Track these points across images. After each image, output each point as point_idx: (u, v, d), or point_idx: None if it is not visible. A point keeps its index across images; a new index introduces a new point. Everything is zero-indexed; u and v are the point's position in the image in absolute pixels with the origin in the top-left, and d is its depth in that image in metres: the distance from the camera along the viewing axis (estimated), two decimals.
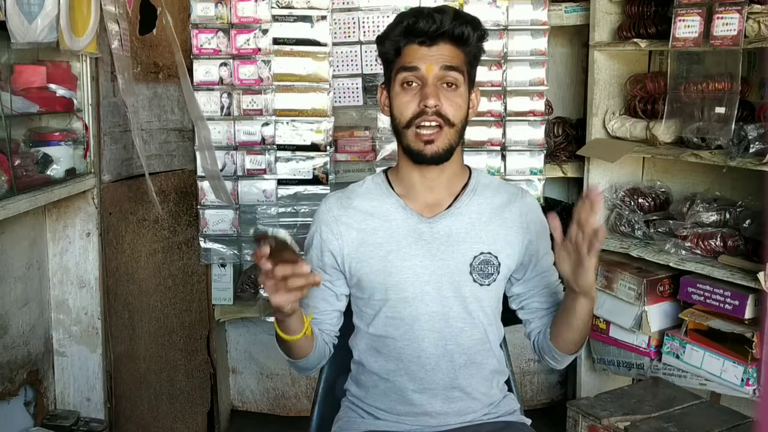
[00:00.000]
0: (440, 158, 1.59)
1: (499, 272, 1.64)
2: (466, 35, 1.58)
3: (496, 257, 1.64)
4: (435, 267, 1.62)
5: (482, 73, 2.74)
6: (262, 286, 1.41)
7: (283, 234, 1.33)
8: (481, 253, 1.63)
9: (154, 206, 2.48)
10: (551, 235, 1.54)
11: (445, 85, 1.57)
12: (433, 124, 1.56)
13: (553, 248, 1.59)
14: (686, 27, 2.38)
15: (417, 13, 1.58)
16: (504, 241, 1.65)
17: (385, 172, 1.72)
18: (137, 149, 2.39)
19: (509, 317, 1.76)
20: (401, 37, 1.58)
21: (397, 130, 1.61)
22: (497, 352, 1.71)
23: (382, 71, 1.70)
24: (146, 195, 2.70)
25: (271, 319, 2.90)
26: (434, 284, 1.62)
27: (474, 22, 1.61)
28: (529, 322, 1.73)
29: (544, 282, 1.70)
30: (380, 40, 1.63)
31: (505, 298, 1.74)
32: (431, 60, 1.56)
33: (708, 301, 2.41)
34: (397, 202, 1.66)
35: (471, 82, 1.64)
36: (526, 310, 1.72)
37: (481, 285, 1.63)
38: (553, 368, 1.76)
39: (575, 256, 1.47)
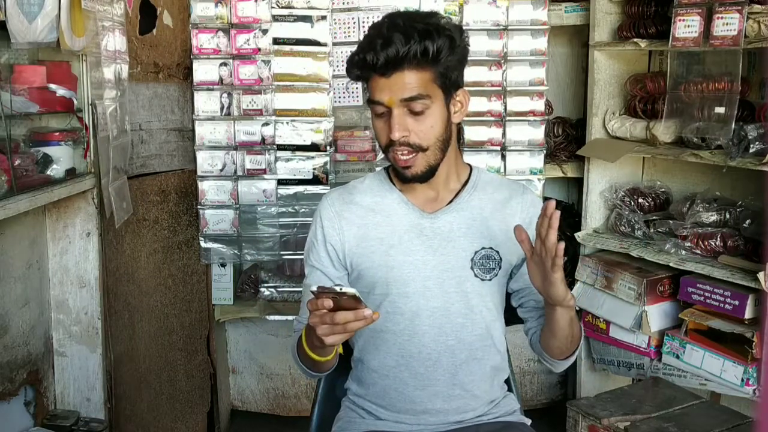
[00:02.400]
0: (422, 178, 1.60)
1: (500, 267, 1.65)
2: (430, 52, 1.49)
3: (497, 252, 1.65)
4: (436, 262, 1.63)
5: (482, 73, 2.75)
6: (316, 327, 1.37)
7: (352, 291, 1.30)
8: (483, 248, 1.64)
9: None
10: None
11: (411, 113, 1.54)
12: (405, 152, 1.56)
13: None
14: (686, 27, 2.38)
15: (366, 45, 1.52)
16: (505, 236, 1.65)
17: (386, 169, 1.73)
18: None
19: (509, 317, 1.76)
20: (359, 70, 1.55)
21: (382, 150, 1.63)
22: (500, 347, 1.71)
23: None
24: (146, 195, 2.71)
25: (272, 318, 2.94)
26: (435, 279, 1.63)
27: (432, 35, 1.49)
28: (526, 321, 1.74)
29: None
30: (347, 71, 1.60)
31: (506, 298, 1.74)
32: (391, 92, 1.52)
33: (708, 301, 2.41)
34: (399, 197, 1.67)
35: (451, 88, 1.57)
36: (524, 308, 1.73)
37: (483, 280, 1.64)
38: (553, 370, 1.75)
39: (542, 270, 1.46)
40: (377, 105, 1.55)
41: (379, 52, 1.49)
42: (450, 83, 1.56)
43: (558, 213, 1.40)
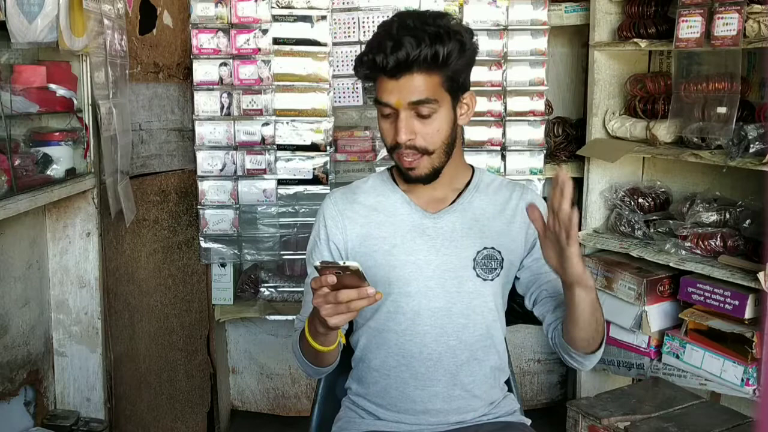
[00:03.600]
0: (426, 180, 1.60)
1: (502, 267, 1.65)
2: (441, 57, 1.48)
3: (499, 252, 1.65)
4: (439, 262, 1.63)
5: (482, 73, 2.75)
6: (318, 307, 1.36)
7: (356, 265, 1.29)
8: (485, 248, 1.64)
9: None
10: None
11: (418, 116, 1.53)
12: (410, 154, 1.56)
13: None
14: (689, 27, 2.38)
15: (376, 46, 1.50)
16: (507, 236, 1.66)
17: (390, 169, 1.73)
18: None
19: (509, 317, 1.76)
20: (368, 70, 1.54)
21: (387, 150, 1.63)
22: (500, 347, 1.70)
23: None
24: (146, 195, 2.71)
25: (272, 318, 2.94)
26: (438, 279, 1.62)
27: (443, 38, 1.48)
28: (543, 318, 1.67)
29: (546, 267, 1.67)
30: (355, 70, 1.59)
31: (507, 298, 1.74)
32: (399, 95, 1.51)
33: (708, 301, 2.41)
34: (401, 197, 1.67)
35: (458, 91, 1.57)
36: (539, 303, 1.68)
37: (485, 280, 1.64)
38: (580, 369, 1.70)
39: (558, 247, 1.41)
40: (384, 106, 1.55)
41: (389, 55, 1.47)
42: (458, 86, 1.56)
43: (570, 182, 1.35)
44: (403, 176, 1.64)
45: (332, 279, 1.31)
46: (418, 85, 1.50)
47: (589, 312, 1.49)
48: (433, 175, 1.60)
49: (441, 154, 1.58)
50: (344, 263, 1.30)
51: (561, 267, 1.42)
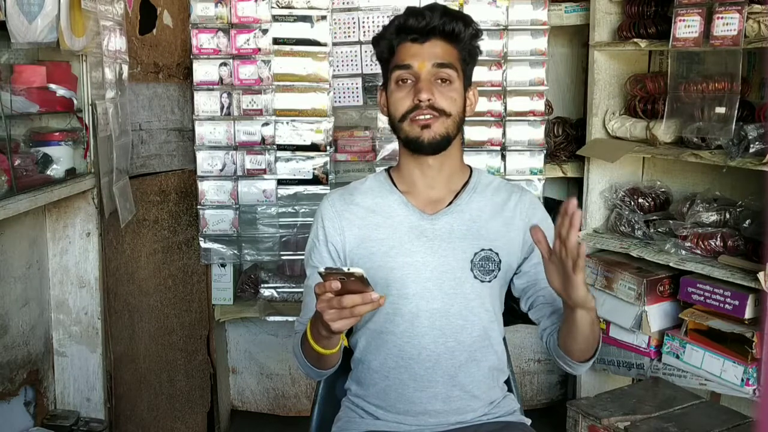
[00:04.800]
0: (438, 145, 1.61)
1: (500, 269, 1.65)
2: (457, 31, 1.60)
3: (497, 254, 1.65)
4: (436, 263, 1.63)
5: (482, 73, 2.75)
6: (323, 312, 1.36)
7: (360, 271, 1.29)
8: (482, 250, 1.64)
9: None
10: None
11: (439, 81, 1.60)
12: (428, 116, 1.59)
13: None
14: (686, 27, 2.38)
15: (408, 11, 1.62)
16: (505, 238, 1.66)
17: (387, 170, 1.74)
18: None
19: (509, 317, 1.76)
20: (394, 35, 1.62)
21: (395, 126, 1.64)
22: (498, 348, 1.70)
23: (381, 71, 1.71)
24: (146, 195, 2.71)
25: (272, 318, 2.94)
26: (435, 281, 1.62)
27: (465, 19, 1.63)
28: (539, 322, 1.70)
29: (544, 273, 1.69)
30: (375, 41, 1.67)
31: (506, 298, 1.74)
32: (423, 57, 1.59)
33: (708, 301, 2.41)
34: (399, 198, 1.67)
35: (467, 79, 1.66)
36: (535, 308, 1.69)
37: (482, 282, 1.64)
38: (572, 373, 1.72)
39: (563, 271, 1.43)
40: (404, 70, 1.60)
41: (426, 15, 1.58)
42: (468, 71, 1.66)
43: (579, 212, 1.37)
44: (412, 145, 1.62)
45: (336, 285, 1.32)
46: (440, 51, 1.60)
47: (588, 330, 1.53)
48: (443, 143, 1.61)
49: (455, 122, 1.62)
50: (348, 269, 1.30)
51: (565, 291, 1.45)
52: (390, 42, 1.63)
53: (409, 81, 1.60)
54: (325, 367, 1.59)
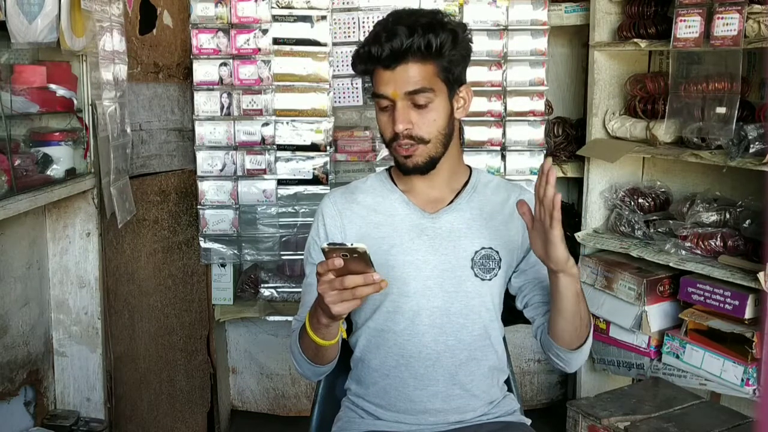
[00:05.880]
0: (422, 170, 1.61)
1: (500, 267, 1.65)
2: (434, 46, 1.52)
3: (497, 252, 1.65)
4: (437, 262, 1.63)
5: (482, 73, 2.75)
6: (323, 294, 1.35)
7: (363, 247, 1.28)
8: (483, 248, 1.64)
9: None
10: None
11: (415, 106, 1.56)
12: (407, 146, 1.58)
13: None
14: (687, 27, 2.38)
15: (371, 39, 1.55)
16: (505, 236, 1.66)
17: (388, 170, 1.74)
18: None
19: (509, 317, 1.76)
20: (365, 63, 1.58)
21: (386, 145, 1.65)
22: (498, 347, 1.71)
23: None
24: (146, 195, 2.71)
25: (272, 318, 2.94)
26: (436, 279, 1.63)
27: (436, 27, 1.53)
28: (534, 320, 1.70)
29: (543, 273, 1.69)
30: (353, 64, 1.63)
31: (506, 298, 1.74)
32: (395, 85, 1.54)
33: (708, 301, 2.41)
34: (400, 197, 1.68)
35: (454, 84, 1.60)
36: (530, 306, 1.70)
37: (483, 280, 1.64)
38: (565, 371, 1.72)
39: (542, 233, 1.45)
40: (381, 98, 1.57)
41: (384, 44, 1.51)
42: (453, 78, 1.59)
43: (554, 168, 1.41)
44: (400, 169, 1.64)
45: (339, 262, 1.30)
46: (413, 74, 1.53)
47: (573, 302, 1.52)
48: (429, 165, 1.61)
49: (438, 144, 1.59)
50: (352, 245, 1.28)
51: (546, 253, 1.47)
52: (363, 68, 1.59)
53: (388, 106, 1.58)
54: (323, 362, 1.58)
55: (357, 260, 1.30)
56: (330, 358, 1.59)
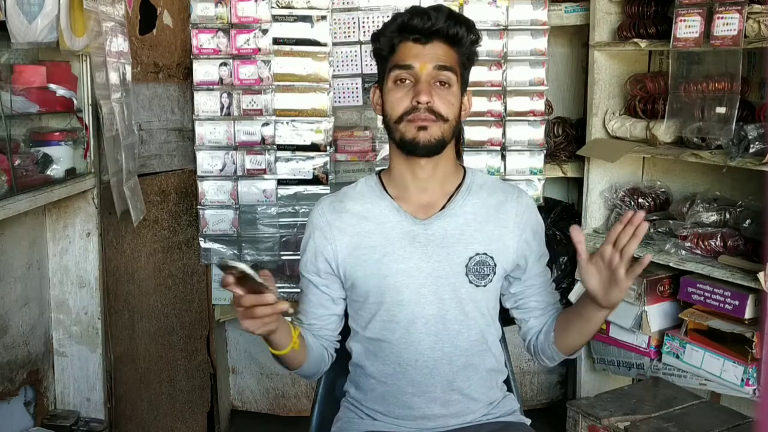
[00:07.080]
0: (432, 148, 1.58)
1: (495, 273, 1.63)
2: (460, 35, 1.58)
3: (491, 258, 1.62)
4: (430, 269, 1.61)
5: (482, 73, 2.75)
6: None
7: (242, 266, 1.28)
8: (477, 254, 1.62)
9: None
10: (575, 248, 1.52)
11: (438, 84, 1.57)
12: (427, 116, 1.56)
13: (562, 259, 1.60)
14: (687, 27, 2.38)
15: (412, 10, 1.60)
16: (500, 241, 1.64)
17: (378, 174, 1.71)
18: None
19: (508, 318, 1.76)
20: (396, 34, 1.59)
21: (389, 126, 1.61)
22: (495, 350, 1.70)
23: (377, 68, 1.69)
24: (146, 195, 2.71)
25: None
26: (430, 287, 1.61)
27: (468, 24, 1.61)
28: (524, 321, 1.71)
29: (540, 281, 1.70)
30: (375, 37, 1.64)
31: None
32: (425, 58, 1.57)
33: (708, 301, 2.41)
34: (390, 204, 1.64)
35: (464, 84, 1.64)
36: (521, 309, 1.71)
37: (477, 286, 1.62)
38: (546, 366, 1.76)
39: (607, 275, 1.47)
40: (404, 70, 1.57)
41: (432, 16, 1.56)
42: (466, 75, 1.65)
43: (645, 225, 1.44)
44: (407, 147, 1.59)
45: (231, 279, 1.32)
46: (442, 53, 1.58)
47: (598, 327, 1.62)
48: (438, 146, 1.58)
49: (451, 127, 1.60)
50: (235, 266, 1.29)
51: (604, 294, 1.49)
52: (391, 40, 1.59)
53: (407, 81, 1.57)
54: (291, 367, 1.61)
55: (247, 280, 1.31)
56: (295, 365, 1.61)
